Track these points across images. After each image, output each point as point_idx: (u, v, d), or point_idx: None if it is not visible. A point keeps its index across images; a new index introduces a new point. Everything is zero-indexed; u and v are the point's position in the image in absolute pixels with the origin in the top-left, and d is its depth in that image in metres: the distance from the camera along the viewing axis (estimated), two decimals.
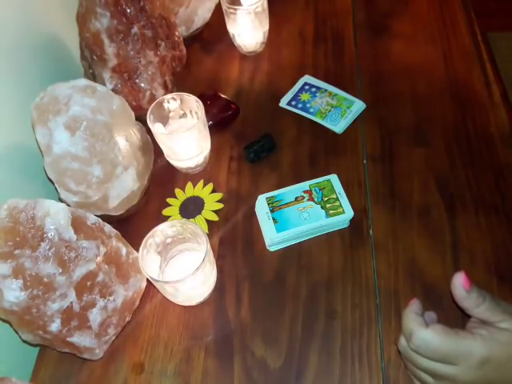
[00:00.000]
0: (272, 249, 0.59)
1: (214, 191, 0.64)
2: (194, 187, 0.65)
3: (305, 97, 0.72)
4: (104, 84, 0.65)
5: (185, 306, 0.56)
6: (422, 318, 0.43)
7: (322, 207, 0.58)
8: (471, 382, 0.41)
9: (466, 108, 0.69)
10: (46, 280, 0.45)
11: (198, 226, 0.52)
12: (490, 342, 0.40)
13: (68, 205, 0.55)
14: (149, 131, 0.62)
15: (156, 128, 0.62)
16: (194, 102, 0.62)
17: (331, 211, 0.57)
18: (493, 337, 0.40)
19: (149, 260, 0.52)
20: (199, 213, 0.62)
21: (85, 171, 0.55)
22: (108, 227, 0.53)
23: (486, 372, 0.40)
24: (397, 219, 0.60)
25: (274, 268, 0.58)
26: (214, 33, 0.83)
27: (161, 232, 0.53)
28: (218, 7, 0.78)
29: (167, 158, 0.65)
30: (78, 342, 0.49)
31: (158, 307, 0.57)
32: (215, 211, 0.62)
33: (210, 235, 0.61)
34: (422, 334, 0.41)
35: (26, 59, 0.63)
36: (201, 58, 0.80)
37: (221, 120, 0.70)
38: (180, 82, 0.74)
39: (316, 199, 0.59)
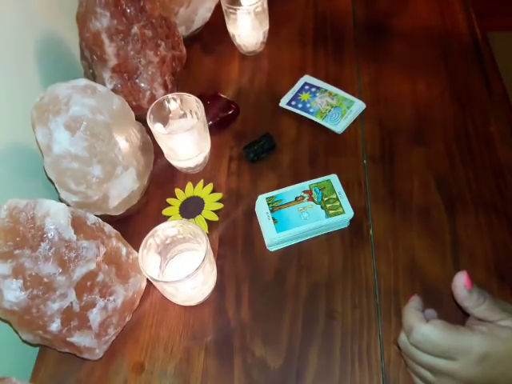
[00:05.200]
0: (272, 249, 0.59)
1: (214, 191, 0.64)
2: (193, 187, 0.65)
3: (305, 97, 0.72)
4: (104, 84, 0.65)
5: (185, 306, 0.56)
6: (422, 313, 0.43)
7: (322, 207, 0.58)
8: (471, 377, 0.41)
9: (466, 108, 0.69)
10: (45, 280, 0.45)
11: (198, 226, 0.52)
12: (490, 338, 0.40)
13: (68, 205, 0.55)
14: (149, 131, 0.62)
15: (156, 128, 0.62)
16: (194, 102, 0.62)
17: (331, 211, 0.57)
18: (493, 333, 0.41)
19: (149, 260, 0.52)
20: (199, 213, 0.62)
21: (85, 171, 0.55)
22: (108, 227, 0.52)
23: (485, 368, 0.40)
24: (397, 219, 0.60)
25: (274, 268, 0.58)
26: (214, 33, 0.83)
27: (161, 232, 0.53)
28: (218, 7, 0.78)
29: (167, 158, 0.65)
30: (78, 342, 0.49)
31: (158, 307, 0.57)
32: (215, 211, 0.62)
33: (209, 235, 0.61)
34: (422, 328, 0.41)
35: (26, 59, 0.63)
36: (201, 58, 0.80)
37: (221, 120, 0.70)
38: (180, 82, 0.74)
39: (316, 199, 0.59)
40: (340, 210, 0.57)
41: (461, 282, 0.42)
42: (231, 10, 0.72)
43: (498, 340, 0.40)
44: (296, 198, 0.59)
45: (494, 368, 0.41)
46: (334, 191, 0.59)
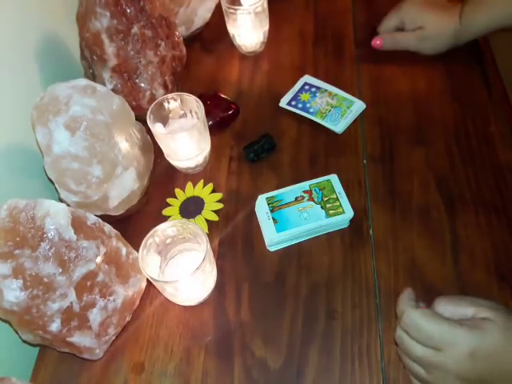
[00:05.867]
0: (272, 249, 0.59)
1: (213, 191, 0.64)
2: (193, 187, 0.65)
3: (305, 97, 0.72)
4: (104, 84, 0.65)
5: (185, 306, 0.56)
6: (414, 302, 0.46)
7: (321, 207, 0.58)
8: (460, 372, 0.42)
9: (466, 108, 0.69)
10: (45, 280, 0.45)
11: (198, 226, 0.52)
12: (475, 331, 0.41)
13: (68, 205, 0.55)
14: (149, 131, 0.62)
15: (156, 128, 0.62)
16: (194, 102, 0.62)
17: (331, 211, 0.57)
18: (477, 326, 0.42)
19: (149, 260, 0.52)
20: (199, 213, 0.62)
21: (85, 171, 0.55)
22: (108, 227, 0.53)
23: (476, 363, 0.41)
24: (397, 219, 0.60)
25: (274, 268, 0.58)
26: (214, 33, 0.83)
27: (161, 232, 0.53)
28: (218, 7, 0.78)
29: (167, 158, 0.65)
30: (78, 342, 0.49)
31: (158, 307, 0.57)
32: (215, 211, 0.62)
33: (209, 235, 0.61)
34: (412, 313, 0.44)
35: (26, 59, 0.63)
36: (201, 58, 0.80)
37: (221, 120, 0.70)
38: (180, 82, 0.74)
39: (316, 199, 0.59)
40: (340, 210, 0.57)
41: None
42: (231, 10, 0.72)
43: (483, 332, 0.41)
44: (296, 198, 0.59)
45: (483, 362, 0.41)
46: (334, 191, 0.59)
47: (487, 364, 0.41)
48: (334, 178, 0.60)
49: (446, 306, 0.45)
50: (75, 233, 0.47)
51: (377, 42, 0.73)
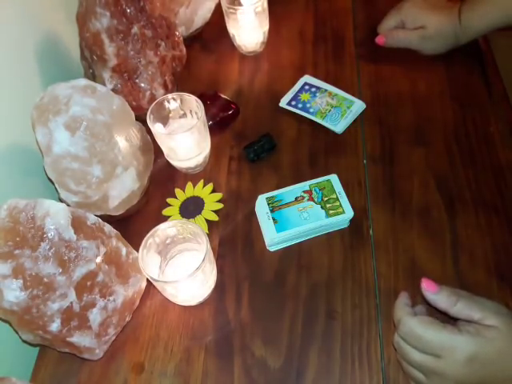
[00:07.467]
0: (272, 249, 0.59)
1: (214, 191, 0.64)
2: (193, 187, 0.65)
3: (305, 97, 0.72)
4: (104, 84, 0.65)
5: (185, 306, 0.56)
6: (410, 308, 0.45)
7: (321, 207, 0.58)
8: (459, 378, 0.42)
9: (466, 108, 0.69)
10: (46, 280, 0.45)
11: (198, 226, 0.52)
12: (476, 338, 0.41)
13: (68, 205, 0.55)
14: (149, 131, 0.62)
15: (156, 128, 0.62)
16: (194, 102, 0.62)
17: (331, 211, 0.57)
18: (480, 333, 0.41)
19: (149, 260, 0.52)
20: (199, 213, 0.62)
21: (85, 171, 0.55)
22: (108, 227, 0.53)
23: (475, 369, 0.41)
24: (397, 219, 0.60)
25: (274, 268, 0.58)
26: (214, 33, 0.83)
27: (161, 232, 0.53)
28: (218, 7, 0.78)
29: (167, 158, 0.65)
30: (78, 342, 0.49)
31: (158, 307, 0.57)
32: (215, 211, 0.62)
33: (209, 235, 0.61)
34: (409, 321, 0.44)
35: (26, 59, 0.63)
36: (201, 58, 0.80)
37: (221, 120, 0.70)
38: (180, 82, 0.74)
39: (316, 199, 0.59)
40: (340, 210, 0.57)
41: (424, 289, 0.45)
42: (231, 10, 0.72)
43: (485, 340, 0.41)
44: (296, 198, 0.59)
45: (483, 369, 0.41)
46: (334, 191, 0.59)
47: (487, 370, 0.41)
48: (334, 178, 0.60)
49: (458, 302, 0.43)
50: (75, 233, 0.47)
51: (381, 40, 0.75)
